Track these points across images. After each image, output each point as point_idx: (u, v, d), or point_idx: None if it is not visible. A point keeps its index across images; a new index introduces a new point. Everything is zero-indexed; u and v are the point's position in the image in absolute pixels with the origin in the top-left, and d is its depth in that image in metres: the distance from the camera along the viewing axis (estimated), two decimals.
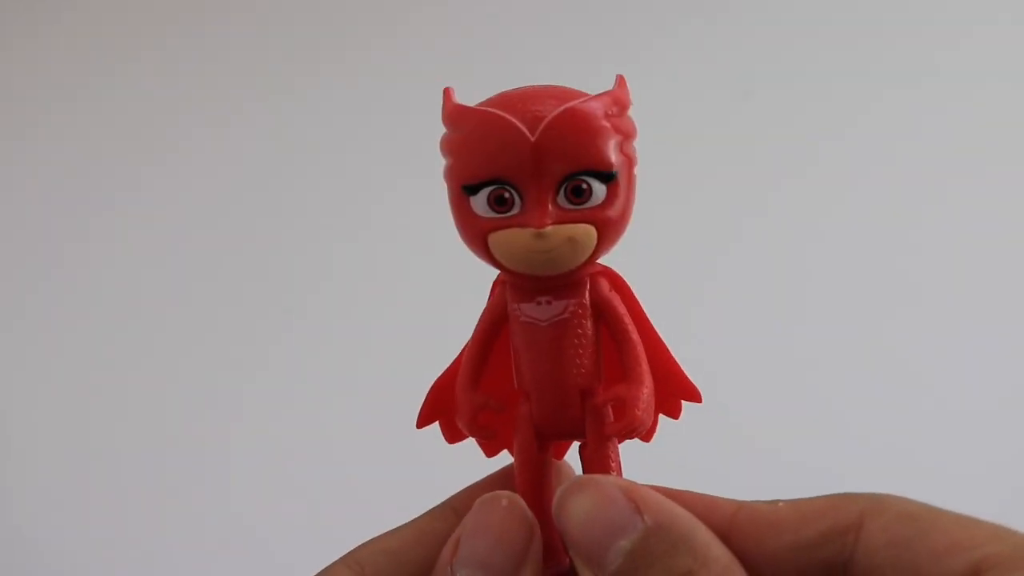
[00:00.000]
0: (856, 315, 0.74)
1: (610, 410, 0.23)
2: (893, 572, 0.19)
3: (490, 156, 0.21)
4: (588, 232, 0.21)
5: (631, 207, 0.22)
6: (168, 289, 0.74)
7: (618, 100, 0.22)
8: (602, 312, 0.23)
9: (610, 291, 0.23)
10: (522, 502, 0.21)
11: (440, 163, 0.22)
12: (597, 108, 0.21)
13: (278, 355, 0.73)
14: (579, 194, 0.21)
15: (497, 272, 0.23)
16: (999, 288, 0.75)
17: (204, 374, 0.72)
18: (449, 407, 0.24)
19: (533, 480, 0.23)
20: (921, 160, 0.76)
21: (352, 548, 0.22)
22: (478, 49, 0.71)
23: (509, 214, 0.21)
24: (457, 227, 0.22)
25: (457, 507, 0.23)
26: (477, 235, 0.22)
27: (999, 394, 0.73)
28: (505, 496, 0.21)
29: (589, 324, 0.23)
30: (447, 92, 0.22)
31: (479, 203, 0.21)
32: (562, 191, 0.21)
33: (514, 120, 0.21)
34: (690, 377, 0.24)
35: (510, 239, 0.21)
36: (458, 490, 0.24)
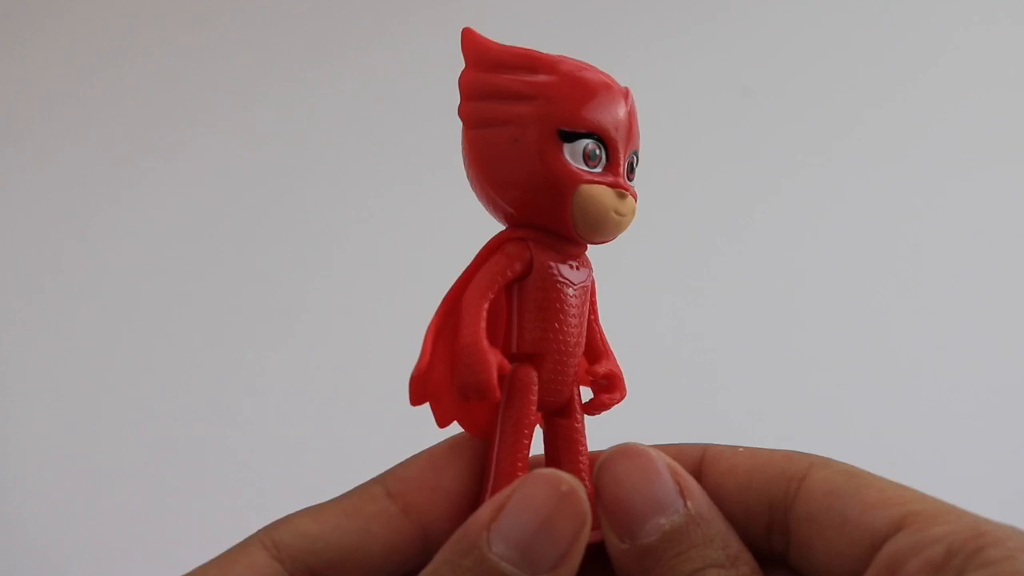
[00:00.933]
0: (857, 315, 0.74)
1: (608, 383, 0.23)
2: (825, 517, 0.20)
3: (599, 109, 0.21)
4: (636, 207, 0.22)
5: None
6: (168, 289, 0.74)
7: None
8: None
9: None
10: (583, 491, 0.20)
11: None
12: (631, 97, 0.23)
13: (279, 355, 0.73)
14: (632, 171, 0.22)
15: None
16: (1002, 287, 0.75)
17: (204, 374, 0.72)
18: (437, 389, 0.22)
19: (523, 448, 0.22)
20: (922, 159, 0.76)
21: (271, 523, 0.21)
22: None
23: (596, 171, 0.21)
24: (531, 176, 0.21)
25: (387, 483, 0.22)
26: (565, 184, 0.21)
27: (1001, 395, 0.73)
28: (566, 481, 0.20)
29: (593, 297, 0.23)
30: (473, 33, 0.23)
31: (571, 151, 0.21)
32: (625, 163, 0.22)
33: (617, 84, 0.22)
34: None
35: (602, 196, 0.21)
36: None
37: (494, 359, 0.21)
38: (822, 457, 0.21)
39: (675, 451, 0.22)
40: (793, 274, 0.74)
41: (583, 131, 0.21)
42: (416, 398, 0.21)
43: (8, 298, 0.74)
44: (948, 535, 0.18)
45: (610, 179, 0.21)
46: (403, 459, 0.22)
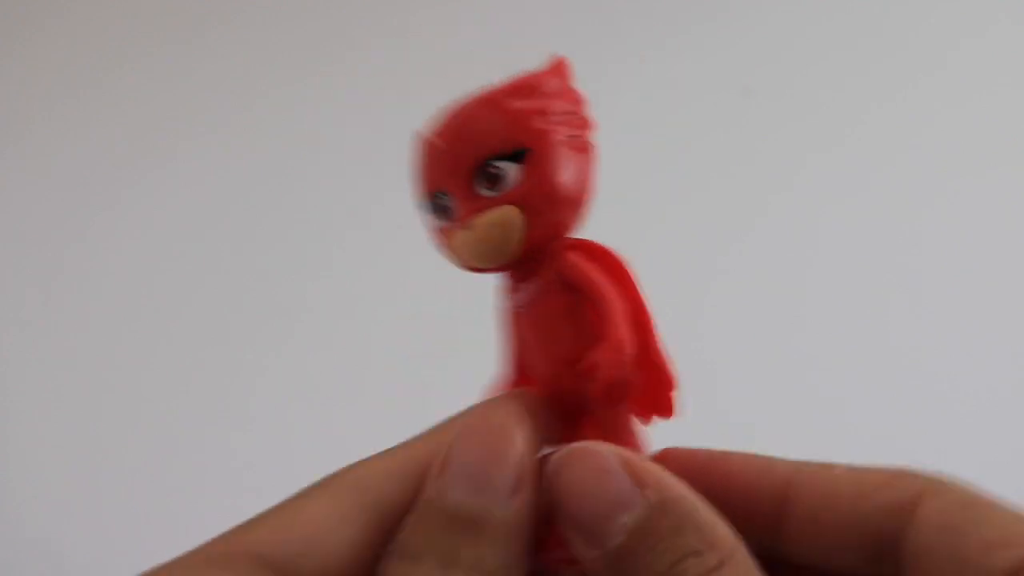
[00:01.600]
0: (858, 315, 0.74)
1: (589, 376, 0.22)
2: (942, 556, 0.19)
3: (420, 173, 0.22)
4: (508, 213, 0.21)
5: (568, 175, 0.22)
6: (169, 290, 0.74)
7: (529, 82, 0.22)
8: (570, 282, 0.22)
9: (577, 260, 0.22)
10: (517, 414, 0.19)
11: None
12: (494, 95, 0.22)
13: (281, 355, 0.73)
14: (493, 180, 0.21)
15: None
16: (1004, 286, 0.75)
17: (206, 374, 0.72)
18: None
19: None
20: (921, 159, 0.76)
21: (345, 467, 0.20)
22: (477, 49, 0.71)
23: (450, 220, 0.22)
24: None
25: (443, 434, 0.20)
26: (441, 246, 0.23)
27: (1002, 395, 0.73)
28: (499, 411, 0.19)
29: (562, 298, 0.22)
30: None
31: (430, 217, 0.23)
32: (480, 183, 0.21)
33: (427, 134, 0.22)
34: (668, 363, 0.23)
35: (452, 243, 0.22)
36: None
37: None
38: (934, 479, 0.20)
39: (762, 464, 0.21)
40: (792, 273, 0.74)
41: (422, 199, 0.23)
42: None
43: (9, 298, 0.74)
44: None
45: (450, 224, 0.22)
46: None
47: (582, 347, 0.22)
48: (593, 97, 0.22)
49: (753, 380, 0.71)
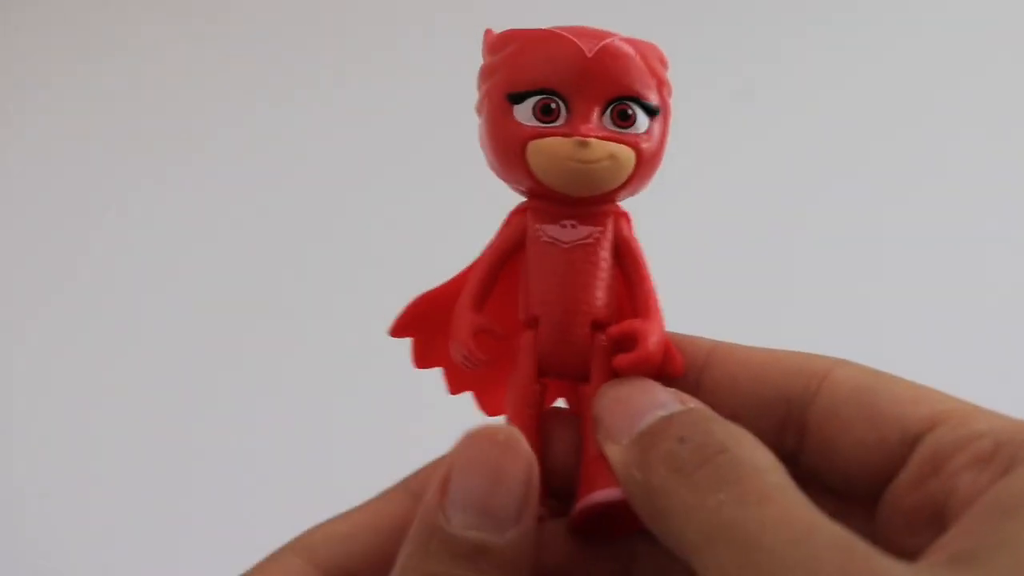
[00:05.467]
0: (857, 316, 0.74)
1: (624, 343, 0.22)
2: (853, 412, 0.19)
3: (542, 64, 0.21)
4: (629, 154, 0.21)
5: (663, 152, 0.22)
6: (171, 291, 0.74)
7: (662, 55, 0.23)
8: (622, 250, 0.23)
9: (630, 231, 0.23)
10: (521, 436, 0.19)
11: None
12: (648, 50, 0.22)
13: (281, 355, 0.73)
14: (624, 117, 0.21)
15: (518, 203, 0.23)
16: (1007, 287, 0.74)
17: (205, 374, 0.72)
18: (432, 327, 0.23)
19: (526, 416, 0.22)
20: (920, 158, 0.76)
21: (300, 532, 0.21)
22: (476, 49, 0.70)
23: (553, 125, 0.21)
24: (492, 141, 0.22)
25: (413, 488, 0.21)
26: (516, 143, 0.21)
27: (1005, 398, 0.73)
28: (502, 431, 0.19)
29: (608, 257, 0.22)
30: (488, 31, 0.23)
31: (523, 112, 0.21)
32: (608, 112, 0.21)
33: (571, 36, 0.21)
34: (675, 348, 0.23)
35: (552, 146, 0.21)
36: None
37: (473, 322, 0.22)
38: (843, 358, 0.21)
39: (686, 341, 0.22)
40: (791, 274, 0.74)
41: (528, 90, 0.21)
42: (399, 330, 0.23)
43: (9, 299, 0.74)
44: (993, 430, 0.18)
45: (565, 128, 0.21)
46: (409, 456, 0.22)
47: (609, 311, 0.22)
48: None
49: None
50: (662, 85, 0.22)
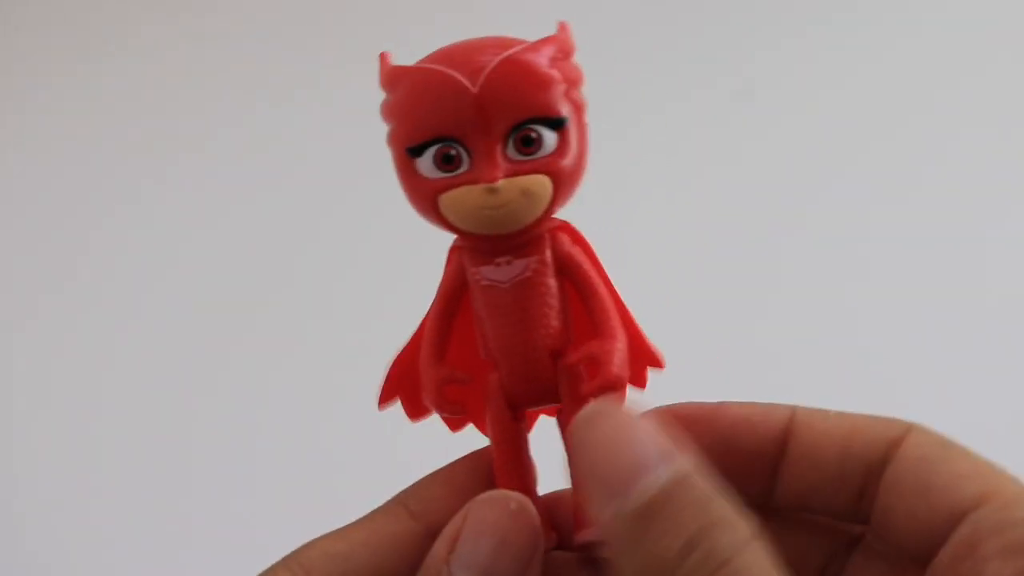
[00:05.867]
0: (857, 316, 0.74)
1: (585, 370, 0.21)
2: (912, 482, 0.20)
3: (431, 113, 0.20)
4: (543, 183, 0.20)
5: (585, 155, 0.21)
6: (173, 292, 0.74)
7: (562, 46, 0.21)
8: (566, 268, 0.22)
9: (572, 246, 0.22)
10: (531, 506, 0.20)
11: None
12: (541, 55, 0.20)
13: (281, 355, 0.73)
14: (529, 143, 0.20)
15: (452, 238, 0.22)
16: (1007, 287, 0.74)
17: (205, 374, 0.72)
18: (412, 383, 0.23)
19: (511, 452, 0.22)
20: (919, 158, 0.76)
21: (296, 548, 0.21)
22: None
23: (458, 172, 0.20)
24: (405, 193, 0.21)
25: (409, 503, 0.21)
26: (426, 198, 0.21)
27: (1005, 401, 0.73)
28: (515, 499, 0.20)
29: (553, 282, 0.22)
30: (383, 56, 0.21)
31: (425, 164, 0.21)
32: (511, 142, 0.20)
33: (453, 73, 0.20)
34: (651, 341, 0.23)
35: (462, 198, 0.20)
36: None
37: (437, 377, 0.22)
38: (919, 424, 0.21)
39: (762, 411, 0.22)
40: (790, 274, 0.74)
41: (424, 141, 0.20)
42: (385, 399, 0.23)
43: (9, 299, 0.74)
44: None
45: (470, 176, 0.20)
46: (420, 475, 0.22)
47: (566, 335, 0.22)
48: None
49: (746, 380, 0.71)
50: (569, 84, 0.21)
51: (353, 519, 0.22)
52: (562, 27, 0.21)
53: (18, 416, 0.72)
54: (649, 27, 0.77)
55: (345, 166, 0.76)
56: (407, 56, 0.21)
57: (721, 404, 0.22)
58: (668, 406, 0.22)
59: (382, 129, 0.22)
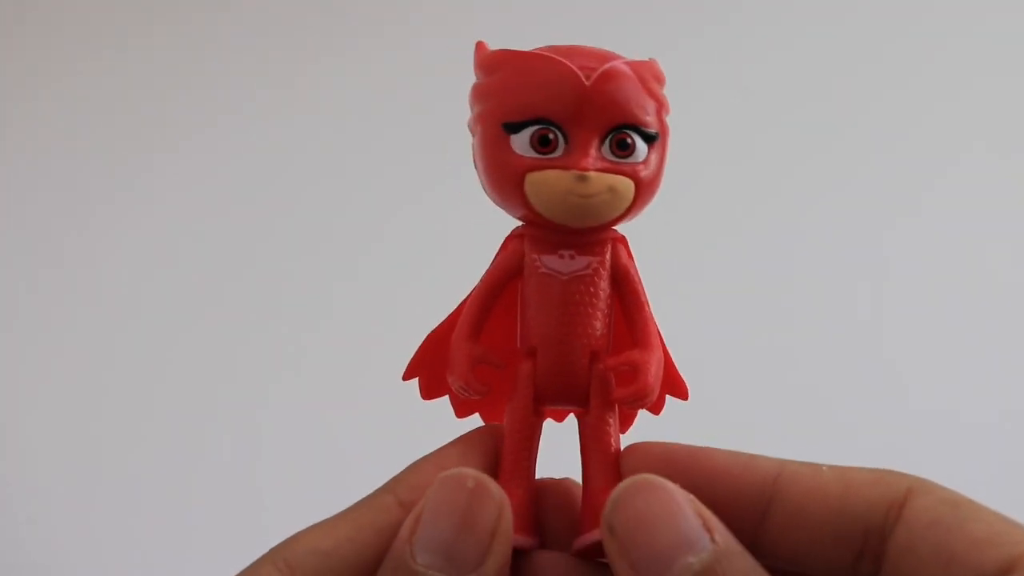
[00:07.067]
0: (855, 317, 0.74)
1: (621, 376, 0.22)
2: (930, 552, 0.19)
3: (540, 94, 0.21)
4: (628, 185, 0.21)
5: (662, 176, 0.22)
6: (174, 293, 0.74)
7: (659, 73, 0.22)
8: (619, 278, 0.23)
9: (628, 259, 0.23)
10: (490, 482, 0.20)
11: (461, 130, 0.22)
12: (646, 71, 0.22)
13: (281, 355, 0.73)
14: (624, 147, 0.21)
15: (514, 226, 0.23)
16: (1006, 288, 0.74)
17: (205, 374, 0.72)
18: (436, 360, 0.23)
19: (523, 445, 0.22)
20: (918, 159, 0.76)
21: (281, 542, 0.21)
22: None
23: (551, 156, 0.21)
24: (488, 171, 0.22)
25: (398, 491, 0.21)
26: (513, 175, 0.21)
27: (1003, 403, 0.73)
28: (472, 476, 0.19)
29: (607, 286, 0.22)
30: (480, 44, 0.22)
31: (520, 142, 0.21)
32: (607, 142, 0.21)
33: (570, 64, 0.21)
34: (680, 371, 0.24)
35: (552, 180, 0.21)
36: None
37: (471, 354, 0.22)
38: (919, 480, 0.20)
39: (745, 462, 0.21)
40: (789, 274, 0.74)
41: (525, 119, 0.21)
42: (411, 372, 0.24)
43: (9, 299, 0.74)
44: None
45: (563, 161, 0.21)
46: (409, 460, 0.22)
47: (606, 340, 0.22)
48: None
49: (745, 380, 0.71)
50: (661, 107, 0.22)
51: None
52: (654, 60, 0.22)
53: (18, 416, 0.72)
54: (649, 27, 0.77)
55: (345, 166, 0.76)
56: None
57: (704, 449, 0.22)
58: (650, 443, 0.22)
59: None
